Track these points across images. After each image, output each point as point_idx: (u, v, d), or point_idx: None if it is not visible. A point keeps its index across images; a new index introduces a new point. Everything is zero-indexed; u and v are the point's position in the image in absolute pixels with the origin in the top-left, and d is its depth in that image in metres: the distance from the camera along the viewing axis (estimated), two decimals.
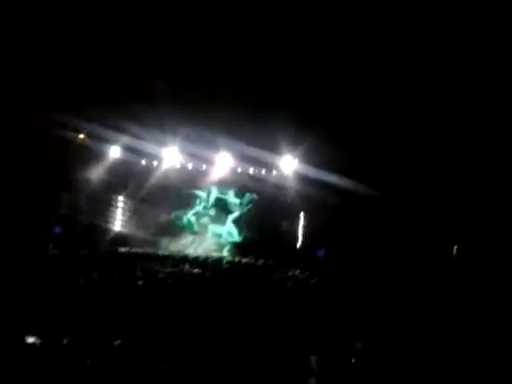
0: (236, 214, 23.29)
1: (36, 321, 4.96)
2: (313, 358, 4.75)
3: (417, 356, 4.74)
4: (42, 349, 4.27)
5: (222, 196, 23.60)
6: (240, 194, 23.30)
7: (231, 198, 23.52)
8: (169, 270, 12.52)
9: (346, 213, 18.32)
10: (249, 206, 23.11)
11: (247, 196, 23.15)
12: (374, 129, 15.83)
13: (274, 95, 14.54)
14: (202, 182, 23.15)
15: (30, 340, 4.35)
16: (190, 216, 23.34)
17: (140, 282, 8.66)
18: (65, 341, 4.45)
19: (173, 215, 22.97)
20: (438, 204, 15.74)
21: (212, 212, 23.44)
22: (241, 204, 23.33)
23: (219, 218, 23.43)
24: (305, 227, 21.94)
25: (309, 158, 18.80)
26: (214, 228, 23.20)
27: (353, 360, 4.81)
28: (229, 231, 23.16)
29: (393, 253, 15.88)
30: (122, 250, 19.29)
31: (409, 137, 15.32)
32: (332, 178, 17.60)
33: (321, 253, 18.90)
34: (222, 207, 23.55)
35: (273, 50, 12.67)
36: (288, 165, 20.64)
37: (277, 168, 21.40)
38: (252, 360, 4.58)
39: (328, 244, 19.67)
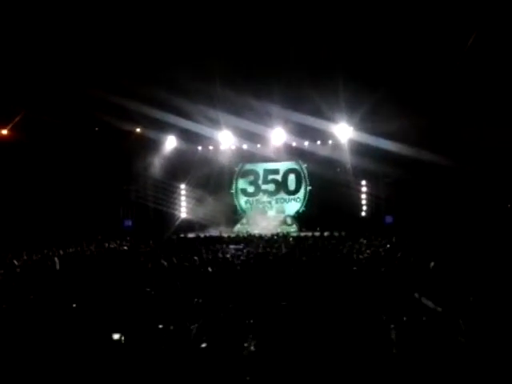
0: (294, 189, 23.33)
1: (118, 317, 5.15)
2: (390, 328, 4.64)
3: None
4: (127, 345, 4.38)
5: (280, 172, 23.62)
6: (296, 168, 23.19)
7: (288, 173, 23.49)
8: (239, 251, 12.69)
9: (409, 180, 17.59)
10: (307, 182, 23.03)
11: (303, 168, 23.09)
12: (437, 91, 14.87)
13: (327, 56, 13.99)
14: (258, 160, 23.28)
15: (116, 337, 4.46)
16: (245, 196, 23.69)
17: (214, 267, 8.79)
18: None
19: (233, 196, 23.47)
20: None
21: (271, 188, 23.54)
22: (298, 177, 23.26)
23: (279, 194, 23.52)
24: (368, 195, 21.47)
25: (366, 126, 18.16)
26: (276, 205, 23.31)
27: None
28: (290, 206, 23.21)
29: (460, 221, 15.06)
30: (191, 235, 19.79)
31: (475, 104, 14.22)
32: (392, 146, 16.92)
33: (389, 219, 18.46)
34: (280, 183, 23.58)
35: (327, 12, 12.22)
36: (344, 133, 20.10)
37: (332, 137, 20.94)
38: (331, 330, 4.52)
39: (394, 211, 19.14)
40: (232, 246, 14.44)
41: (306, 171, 23.05)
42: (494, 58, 12.71)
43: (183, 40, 13.91)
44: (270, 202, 23.42)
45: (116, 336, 4.43)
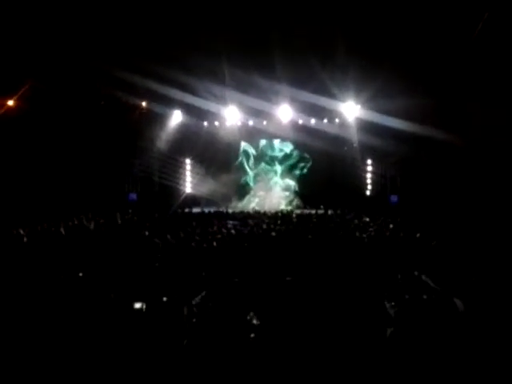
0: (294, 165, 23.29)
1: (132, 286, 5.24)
2: (389, 305, 4.68)
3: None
4: (149, 314, 4.43)
5: (284, 149, 23.52)
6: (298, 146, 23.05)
7: (290, 149, 23.39)
8: (243, 226, 12.75)
9: (417, 159, 17.46)
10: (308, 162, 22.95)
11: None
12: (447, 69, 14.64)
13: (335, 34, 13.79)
14: (262, 137, 23.19)
15: (137, 306, 4.50)
16: (249, 173, 23.60)
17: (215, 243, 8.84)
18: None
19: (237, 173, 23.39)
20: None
21: (275, 165, 23.50)
22: (301, 156, 23.16)
23: (284, 171, 23.48)
24: (373, 174, 21.40)
25: (374, 104, 17.96)
26: (279, 181, 23.29)
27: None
28: (294, 183, 23.19)
29: (466, 200, 15.02)
30: (195, 210, 19.88)
31: (486, 81, 13.98)
32: (400, 124, 16.74)
33: (394, 198, 18.45)
34: (284, 160, 23.53)
35: None
36: (351, 111, 19.93)
37: (339, 115, 20.78)
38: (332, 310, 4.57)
39: (400, 190, 19.10)
40: (231, 222, 14.47)
41: (304, 152, 22.96)
42: (504, 38, 12.46)
43: (190, 16, 13.72)
44: (274, 179, 23.39)
45: (137, 305, 4.47)
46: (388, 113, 17.39)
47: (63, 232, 10.68)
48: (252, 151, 23.65)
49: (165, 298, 4.87)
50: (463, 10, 12.36)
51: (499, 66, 13.41)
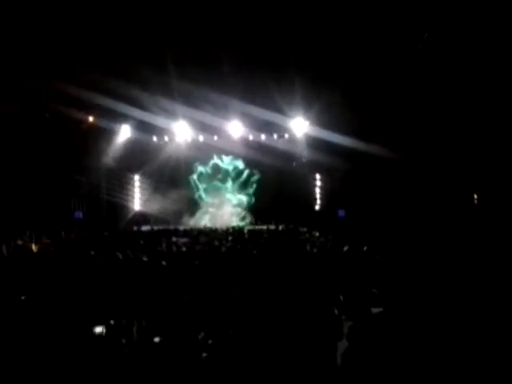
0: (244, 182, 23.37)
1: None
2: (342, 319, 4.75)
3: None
4: (110, 339, 4.24)
5: (235, 165, 23.54)
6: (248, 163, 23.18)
7: (242, 166, 23.45)
8: (192, 244, 12.58)
9: (361, 173, 18.08)
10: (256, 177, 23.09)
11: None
12: (388, 87, 15.41)
13: (285, 54, 14.15)
14: (213, 153, 23.13)
15: (98, 330, 4.31)
16: (201, 189, 23.40)
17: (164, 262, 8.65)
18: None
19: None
20: (452, 160, 15.45)
21: (227, 182, 23.45)
22: (252, 172, 23.26)
23: (234, 187, 23.48)
24: (322, 189, 21.86)
25: (321, 120, 18.48)
26: (231, 197, 23.24)
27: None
28: (245, 200, 23.21)
29: (411, 210, 15.74)
30: (145, 228, 19.44)
31: (422, 96, 14.84)
32: (346, 140, 17.30)
33: (341, 213, 18.92)
34: (236, 177, 23.55)
35: (283, 8, 12.34)
36: (300, 127, 20.35)
37: (288, 131, 21.14)
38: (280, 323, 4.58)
39: (346, 204, 19.61)
40: (181, 239, 14.26)
41: (254, 168, 23.12)
42: (440, 56, 13.29)
43: (140, 29, 13.62)
44: (226, 195, 23.32)
45: (98, 330, 4.28)
46: (334, 128, 17.94)
47: (5, 253, 10.11)
48: (206, 169, 23.52)
49: (112, 321, 4.70)
50: (405, 30, 13.06)
51: (439, 84, 14.26)
